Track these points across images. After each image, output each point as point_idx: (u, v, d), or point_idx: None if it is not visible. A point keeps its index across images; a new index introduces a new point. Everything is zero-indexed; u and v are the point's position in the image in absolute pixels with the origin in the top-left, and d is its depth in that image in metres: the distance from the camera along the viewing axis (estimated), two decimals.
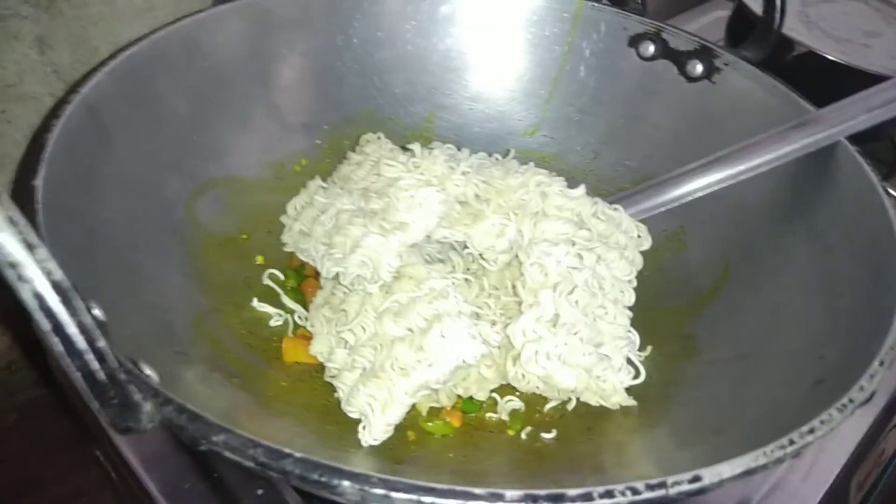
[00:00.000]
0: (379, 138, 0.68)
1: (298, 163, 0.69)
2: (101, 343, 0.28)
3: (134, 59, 0.56)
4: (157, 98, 0.58)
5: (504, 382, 0.56)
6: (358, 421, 0.51)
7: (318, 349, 0.55)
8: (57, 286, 0.27)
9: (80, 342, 0.28)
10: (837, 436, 0.59)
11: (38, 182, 0.43)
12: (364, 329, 0.54)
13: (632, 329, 0.57)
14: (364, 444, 0.49)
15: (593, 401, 0.54)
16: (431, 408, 0.54)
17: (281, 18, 0.67)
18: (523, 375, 0.53)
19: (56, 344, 0.27)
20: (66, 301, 0.27)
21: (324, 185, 0.64)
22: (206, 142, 0.62)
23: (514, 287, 0.57)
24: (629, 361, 0.55)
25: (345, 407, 0.51)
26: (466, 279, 0.60)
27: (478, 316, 0.56)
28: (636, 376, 0.55)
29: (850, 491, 0.64)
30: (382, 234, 0.55)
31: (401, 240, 0.56)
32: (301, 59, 0.69)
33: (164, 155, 0.58)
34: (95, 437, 0.63)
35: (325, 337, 0.55)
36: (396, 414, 0.50)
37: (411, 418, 0.53)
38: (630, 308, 0.59)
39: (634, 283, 0.59)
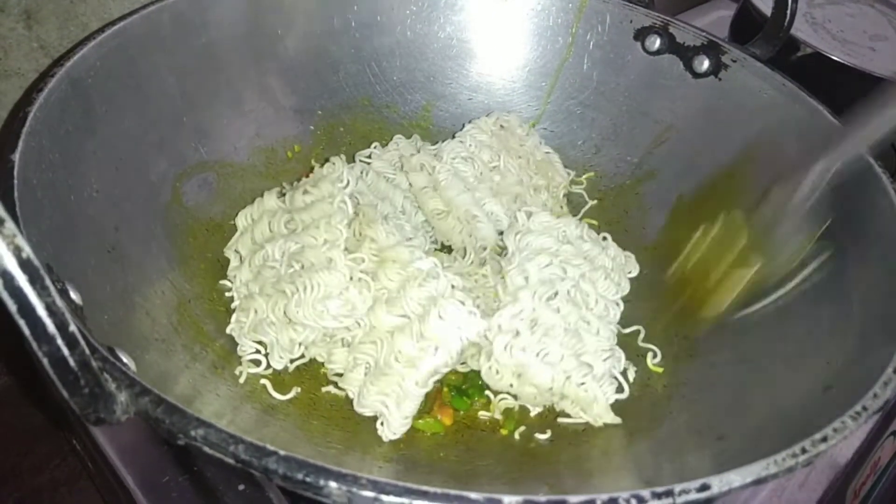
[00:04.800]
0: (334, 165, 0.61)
1: (291, 148, 0.67)
2: (73, 327, 0.26)
3: (123, 34, 0.54)
4: (145, 75, 0.56)
5: None
6: (356, 418, 0.50)
7: (315, 351, 0.54)
8: (25, 265, 0.25)
9: (50, 326, 0.25)
10: None
11: (16, 157, 0.41)
12: (359, 324, 0.52)
13: (617, 347, 0.55)
14: (385, 439, 0.49)
15: (573, 412, 0.52)
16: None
17: None
18: (497, 371, 0.52)
19: (23, 326, 0.25)
20: (35, 281, 0.25)
21: (282, 203, 0.59)
22: (196, 123, 0.60)
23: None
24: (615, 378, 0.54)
25: (358, 408, 0.50)
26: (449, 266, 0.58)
27: (469, 291, 0.55)
28: (621, 392, 0.53)
29: (847, 498, 0.63)
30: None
31: None
32: (297, 41, 0.66)
33: (152, 134, 0.55)
34: (72, 426, 0.61)
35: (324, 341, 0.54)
36: (412, 406, 0.49)
37: None
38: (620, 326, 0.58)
39: (621, 306, 0.58)
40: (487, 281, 0.58)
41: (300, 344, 0.53)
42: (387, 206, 0.62)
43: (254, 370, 0.51)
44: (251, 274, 0.55)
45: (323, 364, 0.54)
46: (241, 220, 0.59)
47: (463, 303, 0.51)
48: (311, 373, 0.54)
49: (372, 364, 0.51)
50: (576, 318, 0.54)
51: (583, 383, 0.51)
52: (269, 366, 0.52)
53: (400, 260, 0.53)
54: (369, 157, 0.66)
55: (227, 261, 0.58)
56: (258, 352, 0.53)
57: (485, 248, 0.61)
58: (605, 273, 0.58)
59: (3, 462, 0.82)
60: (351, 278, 0.53)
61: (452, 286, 0.52)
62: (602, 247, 0.60)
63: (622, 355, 0.55)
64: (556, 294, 0.54)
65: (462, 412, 0.53)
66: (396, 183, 0.65)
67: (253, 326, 0.53)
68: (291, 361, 0.53)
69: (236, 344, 0.53)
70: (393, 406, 0.48)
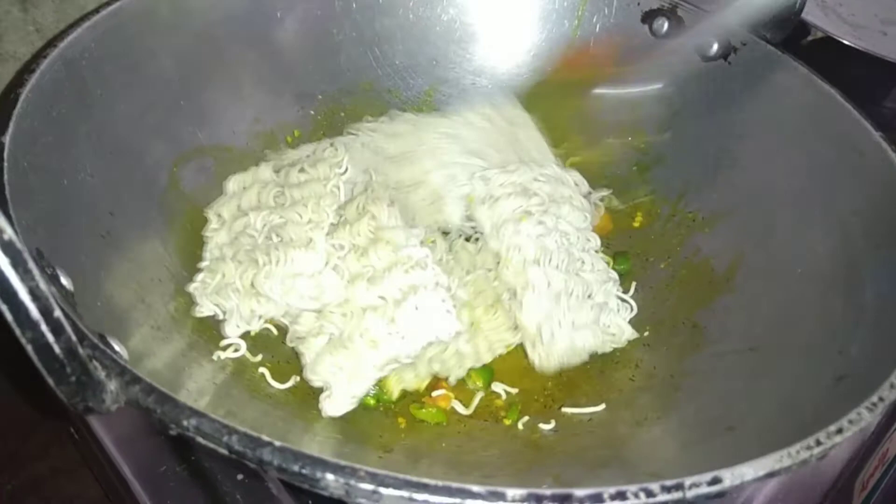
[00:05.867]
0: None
1: (290, 133, 0.66)
2: (58, 313, 0.25)
3: (118, 15, 0.53)
4: (142, 58, 0.55)
5: (479, 364, 0.54)
6: (356, 409, 0.49)
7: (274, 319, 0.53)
8: (7, 247, 0.23)
9: (33, 311, 0.24)
10: None
11: (6, 139, 0.40)
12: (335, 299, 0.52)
13: (610, 269, 0.59)
14: (324, 414, 0.47)
15: (609, 348, 0.55)
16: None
17: None
18: (548, 355, 0.53)
19: (5, 311, 0.24)
20: (18, 265, 0.24)
21: (276, 177, 0.60)
22: (194, 107, 0.58)
23: (489, 270, 0.57)
24: (621, 299, 0.58)
25: (308, 375, 0.49)
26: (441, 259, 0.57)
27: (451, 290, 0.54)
28: (632, 310, 0.58)
29: (854, 491, 0.62)
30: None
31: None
32: (297, 24, 0.65)
33: (149, 118, 0.54)
34: (69, 414, 0.60)
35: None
36: (362, 387, 0.48)
37: (402, 405, 0.51)
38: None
39: (591, 228, 0.61)
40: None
41: (260, 316, 0.52)
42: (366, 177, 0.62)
43: (254, 359, 0.50)
44: (228, 238, 0.55)
45: None
46: (232, 185, 0.59)
47: (443, 300, 0.51)
48: None
49: (336, 334, 0.50)
50: (572, 264, 0.56)
51: (607, 324, 0.55)
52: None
53: (393, 242, 0.53)
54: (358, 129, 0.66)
55: None
56: (216, 316, 0.52)
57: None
58: (569, 204, 0.60)
59: (1, 449, 0.81)
60: (327, 263, 0.52)
61: (437, 283, 0.52)
62: (556, 178, 0.62)
63: (616, 275, 0.59)
64: (552, 254, 0.56)
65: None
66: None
67: (217, 289, 0.51)
68: (247, 333, 0.52)
69: None
70: (344, 381, 0.48)
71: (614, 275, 0.59)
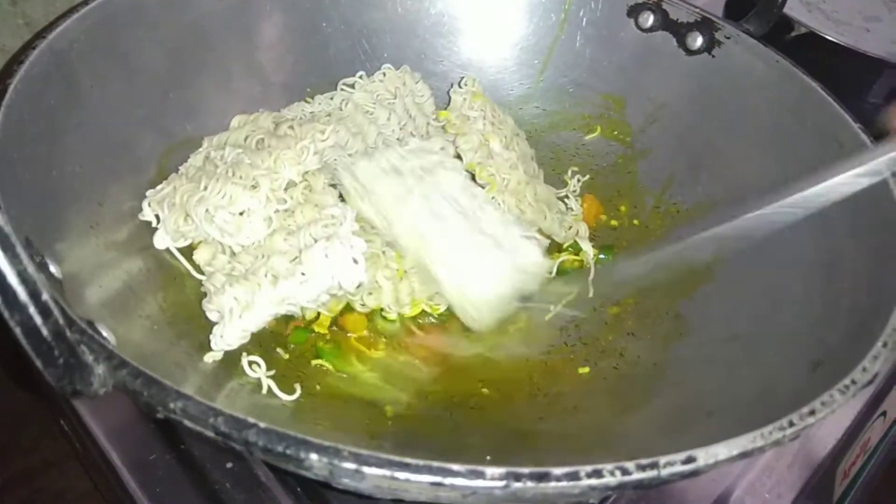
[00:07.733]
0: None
1: None
2: (46, 297, 0.25)
3: (107, 6, 0.53)
4: (131, 49, 0.55)
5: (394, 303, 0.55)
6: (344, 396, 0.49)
7: (201, 256, 0.54)
8: None
9: (21, 294, 0.25)
10: (824, 423, 0.58)
11: None
12: (252, 242, 0.54)
13: (506, 214, 0.59)
14: (214, 347, 0.48)
15: (534, 285, 0.57)
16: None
17: None
18: (479, 310, 0.54)
19: None
20: (6, 248, 0.24)
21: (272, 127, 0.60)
22: (183, 98, 0.59)
23: None
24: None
25: (206, 305, 0.50)
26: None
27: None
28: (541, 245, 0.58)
29: (836, 478, 0.63)
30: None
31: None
32: (286, 16, 0.65)
33: (138, 109, 0.55)
34: (59, 407, 0.60)
35: (210, 245, 0.54)
36: (254, 321, 0.50)
37: (392, 393, 0.51)
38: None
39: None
40: None
41: (185, 237, 0.54)
42: (358, 143, 0.63)
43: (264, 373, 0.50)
44: (201, 162, 0.57)
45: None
46: (234, 122, 0.61)
47: (353, 248, 0.52)
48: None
49: (242, 272, 0.52)
50: (468, 222, 0.57)
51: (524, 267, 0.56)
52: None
53: (321, 204, 0.55)
54: (353, 85, 0.67)
55: None
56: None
57: None
58: (441, 168, 0.60)
59: None
60: (267, 218, 0.54)
61: (352, 234, 0.53)
62: (420, 149, 0.62)
63: (512, 218, 0.59)
64: (446, 220, 0.56)
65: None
66: (374, 118, 0.65)
67: (162, 198, 0.53)
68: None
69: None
70: (237, 313, 0.49)
71: (511, 218, 0.59)
